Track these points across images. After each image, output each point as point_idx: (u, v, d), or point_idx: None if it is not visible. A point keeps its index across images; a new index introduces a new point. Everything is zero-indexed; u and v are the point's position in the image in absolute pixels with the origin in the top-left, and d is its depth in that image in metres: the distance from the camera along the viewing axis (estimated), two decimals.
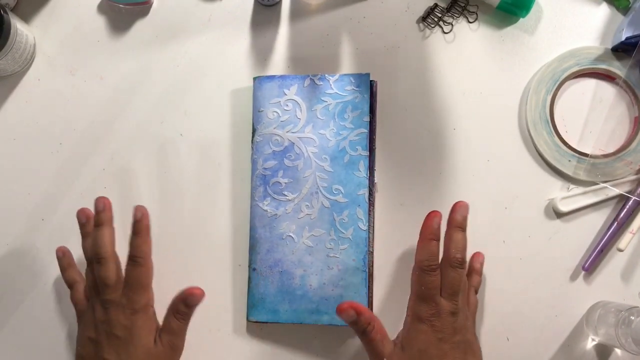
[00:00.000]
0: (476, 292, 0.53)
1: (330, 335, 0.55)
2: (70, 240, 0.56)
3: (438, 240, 0.48)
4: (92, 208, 0.56)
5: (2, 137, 0.57)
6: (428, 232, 0.49)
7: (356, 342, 0.55)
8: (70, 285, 0.53)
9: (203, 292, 0.49)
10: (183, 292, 0.50)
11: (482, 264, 0.54)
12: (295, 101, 0.54)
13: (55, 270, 0.55)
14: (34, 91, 0.57)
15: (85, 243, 0.52)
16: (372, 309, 0.53)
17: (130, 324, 0.48)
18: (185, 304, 0.49)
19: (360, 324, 0.47)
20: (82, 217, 0.52)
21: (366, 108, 0.54)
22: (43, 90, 0.57)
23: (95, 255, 0.49)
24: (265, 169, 0.54)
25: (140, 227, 0.50)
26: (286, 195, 0.54)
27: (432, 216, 0.49)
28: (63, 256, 0.54)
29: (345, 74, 0.54)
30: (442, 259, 0.49)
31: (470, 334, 0.48)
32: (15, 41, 0.53)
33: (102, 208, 0.50)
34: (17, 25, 0.53)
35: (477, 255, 0.54)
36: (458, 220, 0.49)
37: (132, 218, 0.50)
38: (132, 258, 0.49)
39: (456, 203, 0.50)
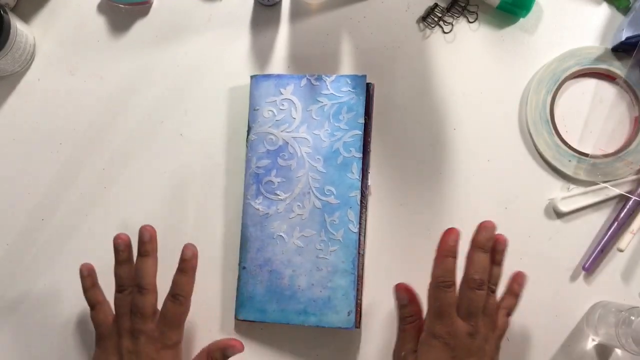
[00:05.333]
0: (509, 314, 0.50)
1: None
2: (70, 240, 0.56)
3: (454, 257, 0.47)
4: (93, 206, 0.56)
5: (2, 137, 0.57)
6: (444, 248, 0.48)
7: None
8: (93, 305, 0.51)
9: (243, 346, 0.51)
10: (225, 342, 0.50)
11: (521, 285, 0.51)
12: (291, 101, 0.54)
13: (56, 271, 0.56)
14: (34, 91, 0.57)
15: (118, 269, 0.50)
16: (361, 311, 0.53)
17: (158, 358, 0.48)
18: (223, 354, 0.50)
19: (405, 312, 0.49)
20: (121, 244, 0.50)
21: (361, 110, 0.54)
22: (43, 90, 0.57)
23: (138, 285, 0.48)
24: (258, 167, 0.54)
25: (187, 266, 0.49)
26: (278, 195, 0.54)
27: (449, 233, 0.48)
28: (88, 275, 0.51)
29: (342, 75, 0.54)
30: (461, 279, 0.48)
31: (487, 357, 0.47)
32: (15, 41, 0.53)
33: (149, 239, 0.49)
34: (17, 25, 0.53)
35: (517, 276, 0.51)
36: (480, 241, 0.48)
37: (182, 255, 0.49)
38: (175, 295, 0.48)
39: (482, 223, 0.48)
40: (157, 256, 0.50)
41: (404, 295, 0.49)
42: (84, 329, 0.55)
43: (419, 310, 0.49)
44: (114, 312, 0.50)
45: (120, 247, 0.50)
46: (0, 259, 0.56)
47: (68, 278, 0.56)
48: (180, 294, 0.48)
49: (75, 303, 0.55)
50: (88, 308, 0.55)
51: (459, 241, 0.48)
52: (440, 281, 0.47)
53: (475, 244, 0.48)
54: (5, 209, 0.56)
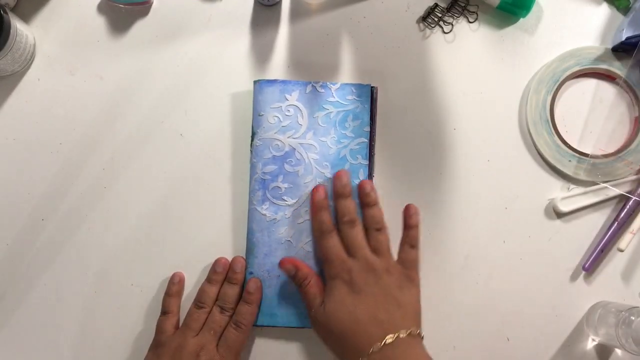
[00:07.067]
0: (413, 246, 0.52)
1: None
2: (70, 240, 0.56)
3: (325, 208, 0.52)
4: (93, 206, 0.56)
5: (2, 137, 0.57)
6: (314, 205, 0.53)
7: None
8: (166, 312, 0.54)
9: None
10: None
11: (413, 216, 0.53)
12: (297, 107, 0.54)
13: (56, 271, 0.56)
14: (34, 91, 0.57)
15: (208, 287, 0.54)
16: None
17: None
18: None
19: (298, 279, 0.52)
20: (219, 267, 0.54)
21: (367, 118, 0.54)
22: (43, 90, 0.57)
23: (221, 307, 0.53)
24: (264, 173, 0.54)
25: (252, 298, 0.53)
26: (285, 200, 0.54)
27: (315, 191, 0.53)
28: (177, 283, 0.55)
29: (346, 84, 0.55)
30: (337, 225, 0.52)
31: (395, 286, 0.50)
32: (15, 41, 0.53)
33: (240, 270, 0.54)
34: (17, 25, 0.53)
35: (406, 208, 0.53)
36: (338, 190, 0.53)
37: (246, 288, 0.53)
38: (237, 323, 0.52)
39: (335, 173, 0.53)
40: (241, 286, 0.54)
41: (289, 266, 0.52)
42: (84, 329, 0.55)
43: (309, 270, 0.52)
44: (183, 324, 0.52)
45: (219, 269, 0.54)
46: (0, 259, 0.56)
47: (68, 278, 0.56)
48: (242, 323, 0.52)
49: (75, 303, 0.55)
50: (87, 308, 0.55)
51: (326, 195, 0.53)
52: (319, 231, 0.52)
53: (335, 195, 0.53)
54: (5, 209, 0.56)
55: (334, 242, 0.51)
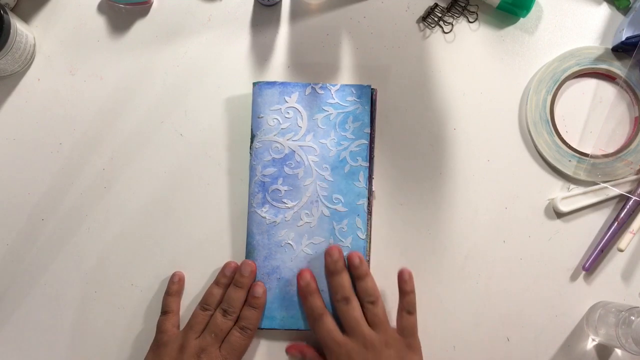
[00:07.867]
0: (411, 312, 0.52)
1: None
2: (70, 240, 0.56)
3: (312, 293, 0.52)
4: (93, 206, 0.56)
5: (2, 137, 0.57)
6: (301, 292, 0.52)
7: None
8: (166, 311, 0.53)
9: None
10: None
11: (407, 282, 0.52)
12: (296, 109, 0.54)
13: (56, 271, 0.56)
14: (34, 91, 0.57)
15: (215, 289, 0.53)
16: None
17: None
18: None
19: None
20: (229, 270, 0.54)
21: (367, 120, 0.54)
22: (43, 90, 0.57)
23: (225, 310, 0.52)
24: (264, 175, 0.54)
25: (258, 302, 0.52)
26: (285, 203, 0.54)
27: (299, 278, 0.53)
28: (177, 282, 0.54)
29: (346, 85, 0.55)
30: (331, 302, 0.52)
31: (395, 357, 0.49)
32: (15, 41, 0.53)
33: (248, 274, 0.53)
34: (17, 25, 0.53)
35: (400, 274, 0.53)
36: (329, 267, 0.52)
37: (252, 292, 0.52)
38: (243, 327, 0.52)
39: (325, 250, 0.53)
40: (247, 290, 0.53)
41: (295, 353, 0.53)
42: (84, 329, 0.55)
43: (315, 354, 0.53)
44: (187, 325, 0.52)
45: (228, 272, 0.54)
46: (0, 259, 0.56)
47: (68, 278, 0.56)
48: (248, 327, 0.52)
49: (76, 303, 0.55)
50: (87, 308, 0.55)
51: (312, 278, 0.52)
52: (310, 317, 0.52)
53: (327, 272, 0.52)
54: (5, 209, 0.56)
55: (327, 327, 0.51)
